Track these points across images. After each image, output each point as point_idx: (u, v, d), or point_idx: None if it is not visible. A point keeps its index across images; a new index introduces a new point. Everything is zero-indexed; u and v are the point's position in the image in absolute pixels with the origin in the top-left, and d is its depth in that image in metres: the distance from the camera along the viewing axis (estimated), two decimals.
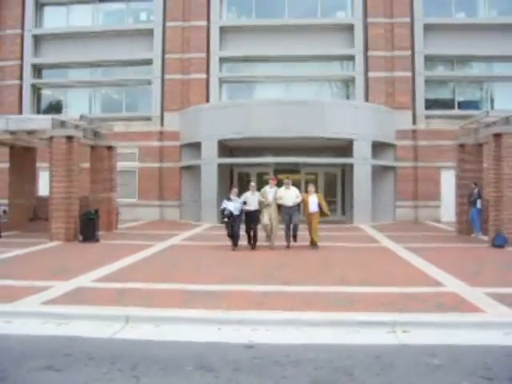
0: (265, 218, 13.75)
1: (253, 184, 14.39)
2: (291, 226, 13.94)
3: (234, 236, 13.63)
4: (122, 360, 5.36)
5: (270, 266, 10.97)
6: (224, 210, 13.67)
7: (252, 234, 13.91)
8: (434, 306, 7.26)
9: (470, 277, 9.41)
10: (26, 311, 7.03)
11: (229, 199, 13.76)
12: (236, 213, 13.57)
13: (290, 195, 13.85)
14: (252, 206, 13.77)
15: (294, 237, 14.09)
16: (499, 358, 5.44)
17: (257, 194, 13.94)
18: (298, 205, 14.21)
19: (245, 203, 13.67)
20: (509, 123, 14.82)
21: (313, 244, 14.04)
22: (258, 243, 13.99)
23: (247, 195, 13.90)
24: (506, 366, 5.23)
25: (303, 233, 14.61)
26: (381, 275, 9.78)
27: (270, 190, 13.94)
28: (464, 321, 6.61)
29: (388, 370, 5.08)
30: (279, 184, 14.55)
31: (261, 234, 14.23)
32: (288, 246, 13.89)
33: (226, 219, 13.57)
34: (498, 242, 14.17)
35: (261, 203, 13.76)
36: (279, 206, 13.93)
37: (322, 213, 14.10)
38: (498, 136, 14.76)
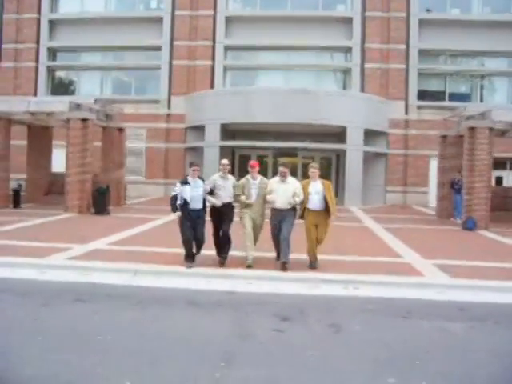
0: (246, 225, 8.96)
1: (224, 162, 9.18)
2: (280, 238, 8.91)
3: (188, 242, 8.76)
4: (132, 297, 7.07)
5: None
6: (175, 198, 8.76)
7: (221, 238, 9.01)
8: (387, 270, 8.89)
9: (426, 252, 10.99)
10: (55, 264, 8.76)
11: (185, 182, 8.84)
12: (195, 205, 8.72)
13: (285, 191, 8.80)
14: (222, 196, 8.92)
15: (283, 263, 8.70)
16: (421, 307, 7.08)
17: (231, 178, 9.18)
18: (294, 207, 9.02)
19: (211, 192, 8.96)
20: (484, 118, 16.33)
21: (312, 262, 9.16)
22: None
23: (215, 179, 9.09)
24: (423, 311, 6.86)
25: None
26: (353, 248, 11.45)
27: (253, 183, 9.06)
28: (405, 281, 8.26)
29: (332, 310, 6.76)
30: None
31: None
32: (278, 257, 9.17)
33: (178, 212, 8.67)
34: (468, 226, 15.68)
35: (238, 200, 9.04)
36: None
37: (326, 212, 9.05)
38: (472, 129, 16.24)
